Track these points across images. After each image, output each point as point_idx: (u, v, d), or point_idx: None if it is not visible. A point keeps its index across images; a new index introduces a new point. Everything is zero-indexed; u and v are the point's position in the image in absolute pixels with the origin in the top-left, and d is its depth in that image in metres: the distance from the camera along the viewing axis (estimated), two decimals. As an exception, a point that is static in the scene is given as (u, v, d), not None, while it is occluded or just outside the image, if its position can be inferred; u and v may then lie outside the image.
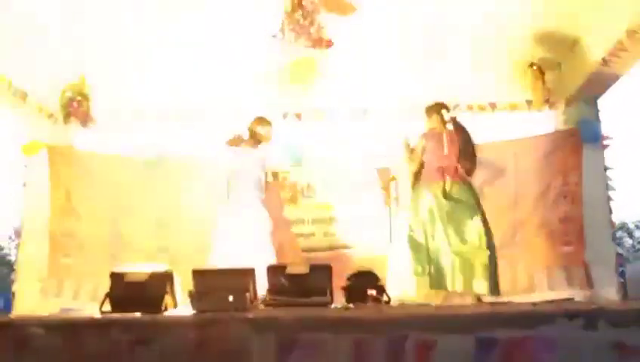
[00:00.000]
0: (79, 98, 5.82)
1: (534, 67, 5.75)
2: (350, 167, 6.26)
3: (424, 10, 4.97)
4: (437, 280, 4.59)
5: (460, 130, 4.84)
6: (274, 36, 4.65)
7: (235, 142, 5.26)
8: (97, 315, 3.36)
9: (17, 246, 5.80)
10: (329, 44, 4.67)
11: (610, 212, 5.66)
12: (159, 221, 5.97)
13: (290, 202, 6.21)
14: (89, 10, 4.90)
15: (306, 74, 5.40)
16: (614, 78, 5.45)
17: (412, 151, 4.98)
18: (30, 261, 5.61)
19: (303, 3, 4.58)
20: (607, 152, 5.73)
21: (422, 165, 4.91)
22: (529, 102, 5.89)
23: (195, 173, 6.11)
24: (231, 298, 3.24)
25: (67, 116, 5.85)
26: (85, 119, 5.92)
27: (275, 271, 3.63)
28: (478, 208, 4.66)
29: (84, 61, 5.61)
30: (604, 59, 5.11)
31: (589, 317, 2.59)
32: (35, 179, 5.80)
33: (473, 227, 4.59)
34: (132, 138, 6.23)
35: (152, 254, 5.74)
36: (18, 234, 5.93)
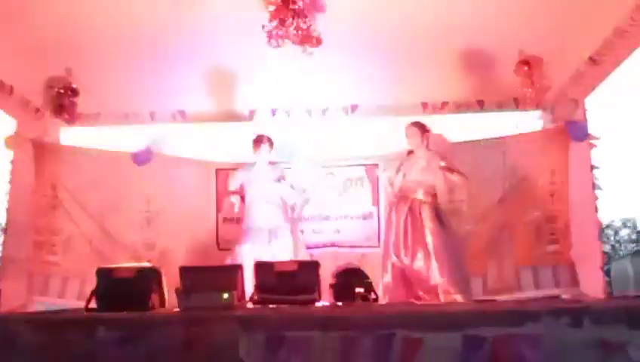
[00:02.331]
0: (68, 92, 5.77)
1: (522, 65, 5.78)
2: (338, 163, 6.26)
3: (412, 8, 4.97)
4: None
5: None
6: (263, 27, 4.61)
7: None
8: (83, 313, 3.34)
9: (2, 243, 5.74)
10: (318, 41, 4.65)
11: (596, 210, 5.71)
12: (147, 217, 5.94)
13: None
14: (76, 4, 4.86)
15: None
16: (602, 77, 5.49)
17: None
18: (15, 258, 5.56)
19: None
20: (593, 151, 5.78)
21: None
22: (516, 101, 5.91)
23: (183, 169, 6.09)
24: (219, 295, 3.24)
25: (57, 112, 5.79)
26: (72, 113, 5.86)
27: (263, 268, 3.63)
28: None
29: (71, 55, 5.56)
30: (591, 58, 5.14)
31: (575, 314, 2.62)
32: (20, 175, 5.76)
33: None
34: (119, 133, 6.21)
35: (139, 251, 5.73)
36: (3, 230, 5.88)
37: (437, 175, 5.04)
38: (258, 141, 5.48)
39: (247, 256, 4.98)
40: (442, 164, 5.03)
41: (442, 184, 5.04)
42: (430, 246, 4.81)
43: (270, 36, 4.58)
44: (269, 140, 5.51)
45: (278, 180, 5.50)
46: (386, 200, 5.94)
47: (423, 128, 5.17)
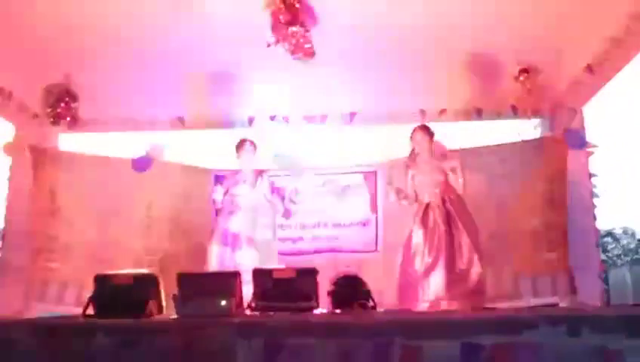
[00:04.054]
0: (67, 98, 5.77)
1: (520, 73, 5.80)
2: (337, 170, 6.27)
3: (410, 15, 4.99)
4: None
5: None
6: (272, 28, 4.62)
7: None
8: (81, 319, 3.33)
9: (0, 249, 5.73)
10: (311, 53, 4.67)
11: (595, 218, 5.71)
12: (148, 223, 5.93)
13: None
14: (76, 9, 4.87)
15: None
16: (600, 85, 5.51)
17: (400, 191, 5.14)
18: (13, 264, 5.55)
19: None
20: (592, 159, 5.79)
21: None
22: (515, 109, 5.92)
23: (183, 175, 6.09)
24: (217, 302, 3.23)
25: (56, 117, 5.78)
26: (71, 119, 5.86)
27: (261, 275, 3.62)
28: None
29: (70, 61, 5.57)
30: (589, 67, 5.16)
31: (573, 323, 2.62)
32: (18, 181, 5.75)
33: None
34: (118, 139, 6.20)
35: (140, 256, 5.73)
36: (1, 236, 5.86)
37: (446, 175, 5.05)
38: (239, 146, 5.41)
39: (215, 258, 5.03)
40: (448, 165, 5.06)
41: (455, 182, 5.02)
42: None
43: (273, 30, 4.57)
44: (252, 144, 5.41)
45: (261, 189, 5.42)
46: (384, 206, 5.96)
47: (429, 132, 5.20)
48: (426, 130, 5.20)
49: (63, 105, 5.76)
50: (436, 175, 5.07)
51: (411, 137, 5.21)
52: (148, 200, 5.95)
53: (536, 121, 6.12)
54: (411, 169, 5.17)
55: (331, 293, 3.76)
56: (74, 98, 5.82)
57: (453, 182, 5.04)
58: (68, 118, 5.77)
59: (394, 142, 5.79)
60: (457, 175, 5.03)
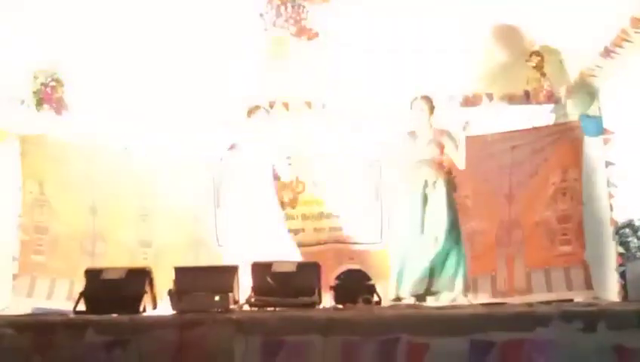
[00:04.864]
0: (52, 84, 5.75)
1: (535, 57, 5.77)
2: (340, 160, 6.26)
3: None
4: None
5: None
6: (261, 15, 4.61)
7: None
8: (71, 315, 3.34)
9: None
10: (314, 35, 4.66)
11: (612, 209, 5.69)
12: (142, 214, 5.94)
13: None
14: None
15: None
16: (618, 69, 5.47)
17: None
18: (0, 258, 5.56)
19: None
20: (608, 147, 5.76)
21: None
22: (527, 93, 5.90)
23: (177, 162, 6.09)
24: (214, 297, 3.24)
25: (40, 103, 5.78)
26: (59, 106, 5.85)
27: (260, 269, 3.62)
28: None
29: (58, 46, 5.55)
30: (607, 49, 5.13)
31: (588, 319, 2.62)
32: (5, 171, 5.74)
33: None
34: (110, 126, 6.19)
35: (133, 249, 5.74)
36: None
37: (447, 144, 4.98)
38: (253, 110, 5.33)
39: (239, 243, 4.96)
40: (446, 138, 4.99)
41: (454, 150, 4.95)
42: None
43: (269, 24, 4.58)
44: (265, 110, 5.37)
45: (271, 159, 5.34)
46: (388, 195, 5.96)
47: (430, 103, 5.10)
48: (425, 100, 5.09)
49: (50, 90, 5.75)
50: (433, 150, 4.99)
51: (412, 108, 5.12)
52: (142, 191, 5.94)
53: (549, 106, 6.09)
54: (410, 143, 5.09)
55: (334, 288, 3.77)
56: (61, 83, 5.81)
57: (452, 154, 4.96)
58: (56, 104, 5.76)
59: (399, 128, 5.77)
60: (456, 144, 4.94)
